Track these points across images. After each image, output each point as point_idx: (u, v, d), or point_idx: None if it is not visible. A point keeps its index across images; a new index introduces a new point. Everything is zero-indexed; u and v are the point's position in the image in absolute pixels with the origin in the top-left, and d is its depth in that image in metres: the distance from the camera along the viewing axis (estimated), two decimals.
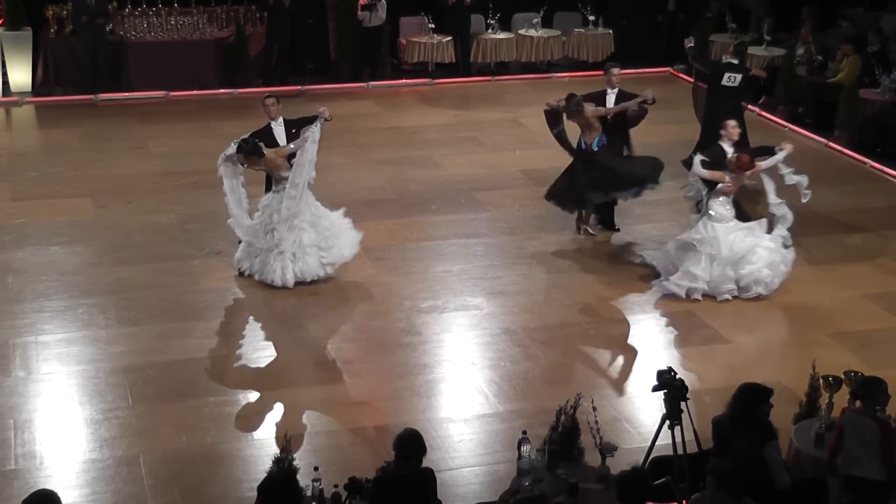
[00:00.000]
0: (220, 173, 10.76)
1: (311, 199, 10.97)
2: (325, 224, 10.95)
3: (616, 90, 12.20)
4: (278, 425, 8.55)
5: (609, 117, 12.04)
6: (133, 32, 17.79)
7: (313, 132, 10.76)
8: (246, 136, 10.74)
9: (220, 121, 16.17)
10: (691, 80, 18.25)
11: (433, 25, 18.75)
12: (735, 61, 13.84)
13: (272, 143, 10.84)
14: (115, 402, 8.87)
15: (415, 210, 12.98)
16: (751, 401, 7.10)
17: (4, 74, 17.14)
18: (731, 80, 13.59)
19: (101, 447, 8.28)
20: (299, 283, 10.80)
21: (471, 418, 8.79)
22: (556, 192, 12.19)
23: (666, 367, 7.37)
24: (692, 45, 14.26)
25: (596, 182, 11.86)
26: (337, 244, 10.97)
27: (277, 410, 8.87)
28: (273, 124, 11.01)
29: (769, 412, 7.12)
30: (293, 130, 11.00)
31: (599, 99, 12.19)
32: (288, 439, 7.00)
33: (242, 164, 10.74)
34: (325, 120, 10.95)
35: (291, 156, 10.82)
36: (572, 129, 12.30)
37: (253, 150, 10.55)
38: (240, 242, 11.10)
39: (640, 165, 12.00)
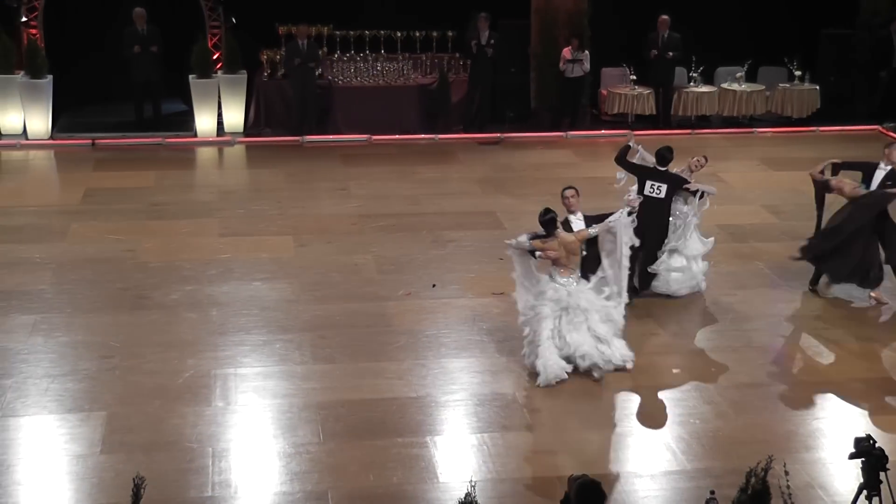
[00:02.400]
0: (511, 255, 10.37)
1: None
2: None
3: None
4: (464, 470, 8.60)
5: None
6: (340, 77, 18.35)
7: (618, 220, 10.12)
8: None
9: (420, 165, 16.54)
10: None
11: (635, 77, 18.71)
12: None
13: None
14: (307, 437, 9.09)
15: None
16: None
17: (220, 115, 17.89)
18: None
19: (291, 480, 8.48)
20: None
21: (657, 474, 8.66)
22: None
23: (865, 435, 7.14)
24: None
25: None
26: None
27: (464, 455, 8.92)
28: (572, 218, 10.52)
29: None
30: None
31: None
32: (473, 484, 7.03)
33: (533, 254, 10.19)
34: (632, 210, 10.25)
35: (591, 245, 10.36)
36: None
37: (547, 223, 9.99)
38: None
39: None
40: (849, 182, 11.81)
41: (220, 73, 17.89)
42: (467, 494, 6.98)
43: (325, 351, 10.61)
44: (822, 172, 11.93)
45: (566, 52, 17.97)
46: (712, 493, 7.36)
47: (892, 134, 18.16)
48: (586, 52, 18.03)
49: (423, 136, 17.99)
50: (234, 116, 17.92)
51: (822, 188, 11.90)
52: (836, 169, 12.02)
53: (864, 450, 7.09)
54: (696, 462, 8.82)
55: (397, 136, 17.91)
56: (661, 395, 9.93)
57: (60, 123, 17.94)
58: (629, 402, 9.78)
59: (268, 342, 10.77)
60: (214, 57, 17.96)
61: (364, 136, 17.81)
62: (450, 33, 18.54)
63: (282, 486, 8.40)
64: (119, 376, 10.06)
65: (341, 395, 9.80)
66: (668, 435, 9.21)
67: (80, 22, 18.12)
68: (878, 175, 11.68)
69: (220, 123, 17.90)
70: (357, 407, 9.58)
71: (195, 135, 17.78)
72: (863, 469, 7.08)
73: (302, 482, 8.46)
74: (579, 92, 18.34)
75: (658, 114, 18.72)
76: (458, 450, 8.99)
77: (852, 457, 7.16)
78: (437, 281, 12.23)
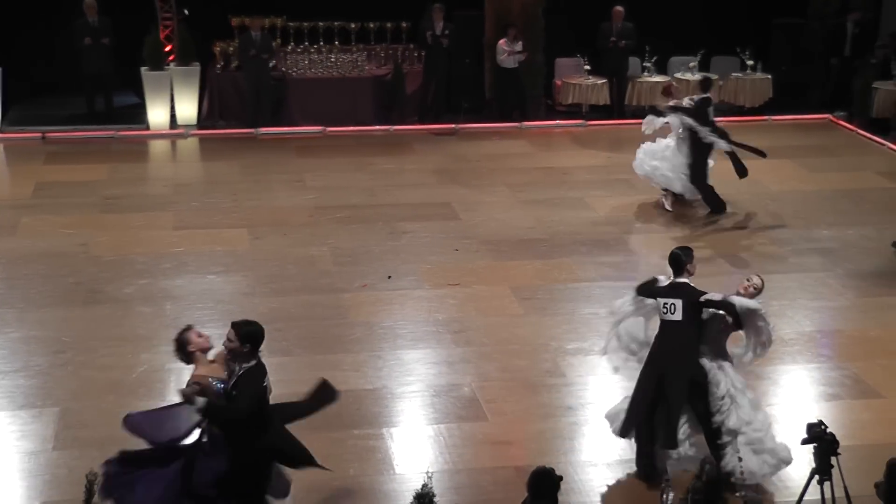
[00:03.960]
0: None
1: None
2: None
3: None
4: (420, 461, 8.60)
5: None
6: (295, 69, 18.25)
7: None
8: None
9: (375, 156, 16.52)
10: (852, 127, 17.94)
11: (589, 67, 18.76)
12: None
13: None
14: None
15: (564, 251, 12.96)
16: None
17: (173, 108, 17.75)
18: None
19: None
20: None
21: (613, 463, 8.70)
22: None
23: (816, 421, 7.22)
24: None
25: None
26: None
27: (420, 446, 8.92)
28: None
29: None
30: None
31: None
32: (429, 475, 7.04)
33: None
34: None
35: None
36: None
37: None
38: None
39: None
40: None
41: (172, 65, 17.75)
42: (424, 486, 6.99)
43: (280, 344, 10.55)
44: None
45: (502, 43, 17.96)
46: (667, 480, 7.41)
47: (842, 122, 18.35)
48: (520, 42, 17.99)
49: (378, 127, 17.94)
50: (188, 109, 17.79)
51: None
52: None
53: (816, 435, 7.17)
54: None
55: (352, 128, 17.85)
56: (616, 383, 9.94)
57: (10, 116, 17.74)
58: (584, 391, 9.82)
59: (223, 336, 10.65)
60: (167, 49, 17.82)
61: (319, 128, 17.74)
62: (404, 24, 18.50)
63: None
64: (72, 372, 9.98)
65: (297, 387, 9.65)
66: None
67: (30, 13, 17.91)
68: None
69: (172, 116, 17.77)
70: None
71: (148, 127, 17.64)
72: (815, 454, 7.15)
73: None
74: (518, 83, 18.26)
75: (612, 104, 18.78)
76: (414, 441, 9.00)
77: (804, 442, 7.24)
78: (393, 272, 12.22)
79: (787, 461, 8.10)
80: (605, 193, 14.97)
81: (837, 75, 18.97)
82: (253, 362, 7.32)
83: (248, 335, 7.32)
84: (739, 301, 8.00)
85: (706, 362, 8.16)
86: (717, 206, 14.10)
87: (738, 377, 8.22)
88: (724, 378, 8.12)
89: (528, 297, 11.68)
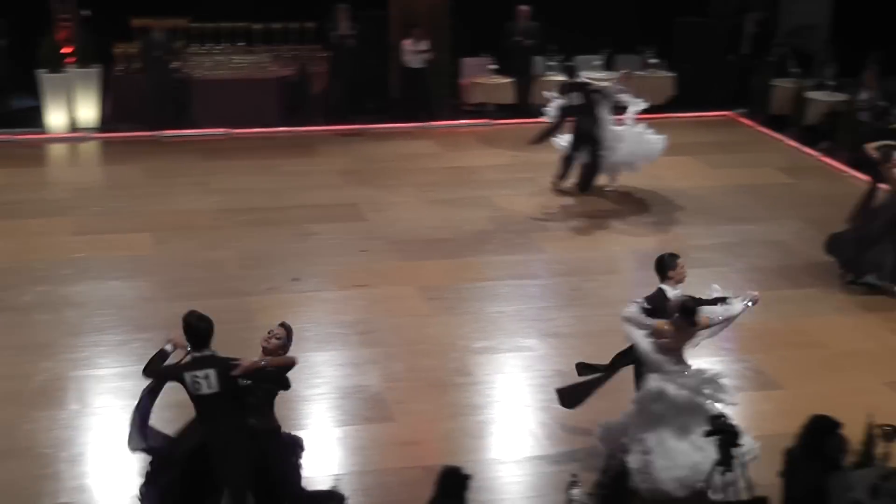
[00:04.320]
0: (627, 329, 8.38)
1: None
2: None
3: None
4: (328, 463, 8.54)
5: None
6: (198, 70, 18.03)
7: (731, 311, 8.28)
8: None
9: (281, 158, 16.38)
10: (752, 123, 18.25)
11: (494, 66, 18.83)
12: None
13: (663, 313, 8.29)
14: None
15: (471, 250, 12.98)
16: (815, 433, 6.99)
17: (73, 111, 17.41)
18: None
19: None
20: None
21: (521, 460, 8.74)
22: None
23: (718, 413, 7.31)
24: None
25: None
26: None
27: (327, 448, 8.85)
28: (668, 290, 8.53)
29: (839, 446, 6.96)
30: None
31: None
32: (337, 478, 7.01)
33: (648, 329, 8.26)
34: (753, 304, 8.33)
35: None
36: None
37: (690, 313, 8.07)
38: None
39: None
40: None
41: (71, 67, 17.42)
42: (332, 488, 6.96)
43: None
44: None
45: (407, 43, 17.95)
46: (574, 476, 7.46)
47: (743, 119, 18.64)
48: (425, 41, 17.98)
49: (283, 128, 17.80)
50: (88, 112, 17.47)
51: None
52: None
53: (719, 427, 7.27)
54: (559, 446, 8.92)
55: (257, 130, 17.69)
56: (523, 381, 10.01)
57: None
58: (492, 390, 9.84)
59: (125, 342, 10.53)
60: (67, 51, 17.47)
61: (223, 130, 17.54)
62: (309, 25, 18.38)
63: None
64: None
65: None
66: (531, 421, 9.30)
67: None
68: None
69: (72, 119, 17.44)
70: None
71: (47, 131, 17.28)
72: (717, 446, 7.24)
73: None
74: (424, 82, 18.26)
75: (518, 103, 18.85)
76: (321, 444, 8.91)
77: (707, 435, 7.33)
78: (299, 274, 12.14)
79: (665, 497, 7.75)
80: (511, 192, 15.02)
81: (737, 73, 19.28)
82: (200, 353, 7.43)
83: (184, 325, 7.47)
84: (623, 311, 8.05)
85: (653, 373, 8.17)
86: (583, 183, 14.71)
87: (668, 397, 7.98)
88: (645, 388, 8.17)
89: (435, 297, 11.68)
